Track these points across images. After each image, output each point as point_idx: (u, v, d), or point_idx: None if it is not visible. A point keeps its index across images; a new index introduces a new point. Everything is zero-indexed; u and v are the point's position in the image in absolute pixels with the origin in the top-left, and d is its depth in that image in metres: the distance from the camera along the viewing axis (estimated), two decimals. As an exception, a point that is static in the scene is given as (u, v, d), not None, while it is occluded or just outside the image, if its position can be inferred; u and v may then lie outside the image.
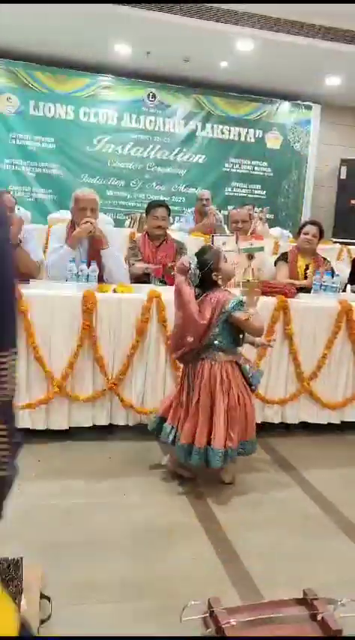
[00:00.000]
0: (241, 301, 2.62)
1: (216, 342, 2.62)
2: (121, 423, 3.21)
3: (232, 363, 2.65)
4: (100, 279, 3.49)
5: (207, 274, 2.63)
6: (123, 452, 3.09)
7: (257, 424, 3.26)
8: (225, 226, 6.16)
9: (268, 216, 6.82)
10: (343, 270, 4.35)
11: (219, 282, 2.66)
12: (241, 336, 2.70)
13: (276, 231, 6.63)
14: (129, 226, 6.25)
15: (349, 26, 5.80)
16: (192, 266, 2.61)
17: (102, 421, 3.18)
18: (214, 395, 2.58)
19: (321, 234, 3.99)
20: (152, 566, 2.11)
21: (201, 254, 2.69)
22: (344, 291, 3.90)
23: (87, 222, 3.48)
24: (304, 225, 4.06)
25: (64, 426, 3.11)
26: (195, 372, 2.64)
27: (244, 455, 2.71)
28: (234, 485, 2.77)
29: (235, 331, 2.66)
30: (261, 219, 6.06)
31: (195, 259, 2.64)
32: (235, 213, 4.25)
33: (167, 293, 3.25)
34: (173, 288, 3.36)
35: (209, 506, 2.57)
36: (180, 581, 2.02)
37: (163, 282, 3.47)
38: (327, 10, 5.36)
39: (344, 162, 8.22)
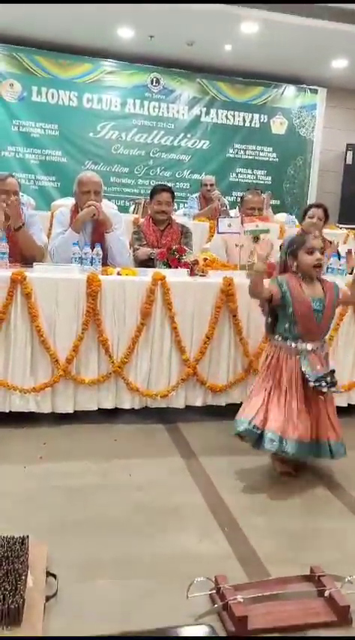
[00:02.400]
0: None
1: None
2: (127, 406, 3.20)
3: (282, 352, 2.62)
4: (105, 262, 3.47)
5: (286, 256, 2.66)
6: (128, 434, 3.09)
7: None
8: (231, 211, 6.12)
9: (273, 201, 6.78)
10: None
11: (293, 268, 2.63)
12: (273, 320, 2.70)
13: (282, 216, 6.57)
14: (133, 212, 6.22)
15: (354, 6, 5.71)
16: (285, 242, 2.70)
17: (108, 404, 3.17)
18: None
19: (327, 217, 3.95)
20: (158, 544, 2.11)
21: (296, 236, 2.72)
22: (351, 273, 3.85)
23: (90, 205, 3.46)
24: (309, 208, 4.03)
25: (70, 410, 3.11)
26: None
27: None
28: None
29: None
30: (268, 205, 6.01)
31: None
32: (251, 199, 4.18)
33: (172, 275, 3.24)
34: (178, 270, 3.36)
35: (215, 487, 2.56)
36: (186, 559, 2.02)
37: (167, 265, 3.44)
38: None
39: (350, 146, 8.14)
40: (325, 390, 2.54)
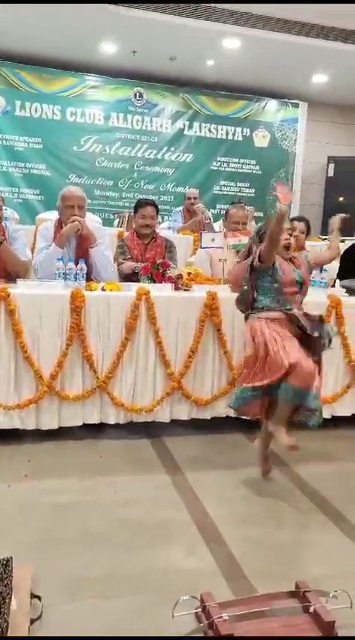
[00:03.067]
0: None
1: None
2: (112, 421, 3.19)
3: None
4: (89, 277, 3.47)
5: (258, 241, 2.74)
6: (114, 450, 3.08)
7: (250, 421, 3.26)
8: (215, 224, 6.17)
9: (256, 213, 6.84)
10: (333, 265, 4.35)
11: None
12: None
13: (265, 228, 6.62)
14: (118, 226, 6.24)
15: (335, 24, 5.83)
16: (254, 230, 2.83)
17: (93, 420, 3.16)
18: None
19: (308, 230, 4.00)
20: (144, 561, 2.10)
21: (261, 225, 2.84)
22: (333, 286, 3.91)
23: (74, 220, 3.46)
24: (291, 221, 4.07)
25: (54, 426, 3.09)
26: None
27: None
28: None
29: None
30: (252, 218, 6.08)
31: None
32: (235, 213, 4.22)
33: (156, 290, 3.25)
34: (161, 285, 3.38)
35: (201, 502, 2.56)
36: (172, 576, 2.01)
37: (151, 280, 3.46)
38: (313, 8, 5.39)
39: (331, 159, 8.27)
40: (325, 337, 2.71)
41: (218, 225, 5.87)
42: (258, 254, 2.67)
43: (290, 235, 2.74)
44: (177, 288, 3.44)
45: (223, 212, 5.34)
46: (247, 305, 2.81)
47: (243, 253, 2.90)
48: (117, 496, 2.58)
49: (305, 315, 2.72)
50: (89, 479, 2.73)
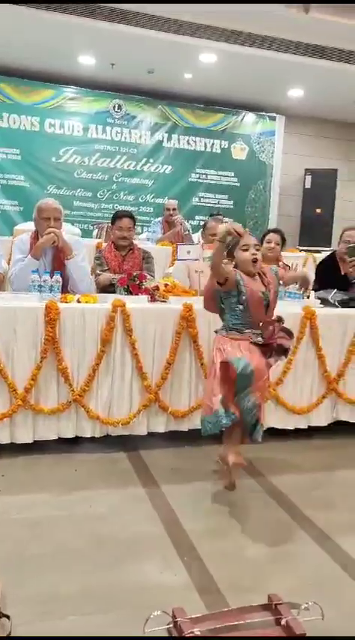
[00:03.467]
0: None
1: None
2: (88, 434, 3.17)
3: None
4: (66, 289, 3.46)
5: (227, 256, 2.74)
6: (89, 464, 3.06)
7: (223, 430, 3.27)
8: (193, 235, 6.21)
9: (235, 225, 6.89)
10: (309, 277, 4.40)
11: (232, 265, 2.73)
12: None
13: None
14: (96, 237, 6.24)
15: (309, 40, 5.94)
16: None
17: (68, 433, 3.13)
18: None
19: (284, 241, 4.05)
20: (118, 577, 2.08)
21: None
22: (308, 297, 3.95)
23: (50, 232, 3.46)
24: (266, 233, 4.13)
25: (29, 440, 3.06)
26: None
27: None
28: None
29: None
30: None
31: None
32: (213, 225, 4.25)
33: (132, 302, 3.25)
34: (138, 297, 3.39)
35: (176, 515, 2.55)
36: (146, 592, 2.00)
37: (128, 292, 3.46)
38: (288, 23, 5.48)
39: (308, 171, 8.38)
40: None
41: (197, 237, 5.91)
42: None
43: (258, 250, 2.74)
44: (153, 300, 3.44)
45: (202, 223, 5.38)
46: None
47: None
48: (91, 510, 2.56)
49: (271, 336, 2.72)
50: (64, 493, 2.70)
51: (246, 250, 2.70)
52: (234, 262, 2.72)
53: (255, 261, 2.71)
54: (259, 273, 2.77)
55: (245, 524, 2.52)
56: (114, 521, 2.47)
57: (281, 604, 1.79)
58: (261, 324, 2.73)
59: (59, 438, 3.12)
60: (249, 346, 2.66)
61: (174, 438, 3.35)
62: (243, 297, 2.66)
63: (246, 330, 2.70)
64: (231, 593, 2.00)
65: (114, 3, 5.25)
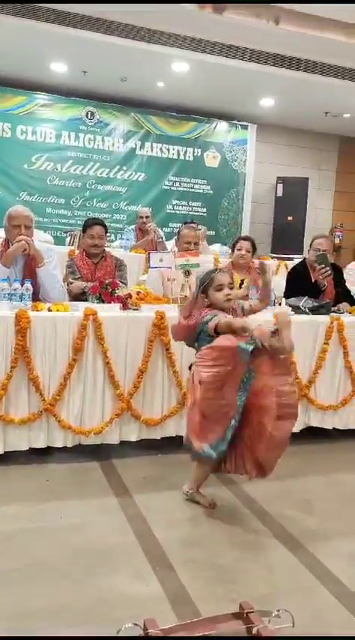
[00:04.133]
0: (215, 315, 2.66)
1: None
2: (59, 444, 3.13)
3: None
4: (37, 297, 3.43)
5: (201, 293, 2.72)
6: (61, 474, 3.02)
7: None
8: (167, 243, 6.22)
9: (208, 232, 6.95)
10: (280, 284, 4.45)
11: (206, 304, 2.71)
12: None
13: (216, 247, 6.75)
14: (69, 244, 6.20)
15: (279, 50, 6.03)
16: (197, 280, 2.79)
17: (40, 444, 3.09)
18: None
19: (254, 249, 4.10)
20: (89, 589, 2.05)
21: (204, 275, 2.77)
22: (279, 304, 3.99)
23: (21, 239, 3.42)
24: (237, 241, 4.17)
25: (-1, 451, 3.01)
26: None
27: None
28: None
29: None
30: (204, 237, 6.19)
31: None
32: (187, 233, 4.27)
33: (104, 310, 3.24)
34: (110, 305, 3.37)
35: (148, 524, 2.54)
36: (117, 603, 1.98)
37: (100, 300, 3.44)
38: (258, 34, 5.56)
39: (280, 179, 8.50)
40: None
41: (170, 244, 5.93)
42: (214, 326, 2.60)
43: (231, 288, 2.74)
44: (125, 308, 3.43)
45: (176, 231, 5.40)
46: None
47: (187, 306, 2.79)
48: (63, 522, 2.52)
49: None
50: (35, 505, 2.66)
51: (221, 290, 2.70)
52: (207, 300, 2.71)
53: (228, 300, 2.71)
54: (232, 310, 2.77)
55: (217, 532, 2.52)
56: (86, 532, 2.45)
57: (252, 612, 1.79)
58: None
59: (30, 448, 3.07)
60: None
61: (146, 446, 3.34)
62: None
63: None
64: (203, 602, 2.00)
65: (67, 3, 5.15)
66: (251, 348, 2.47)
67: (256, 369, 2.50)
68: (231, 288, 2.74)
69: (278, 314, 2.53)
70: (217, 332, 2.60)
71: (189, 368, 2.78)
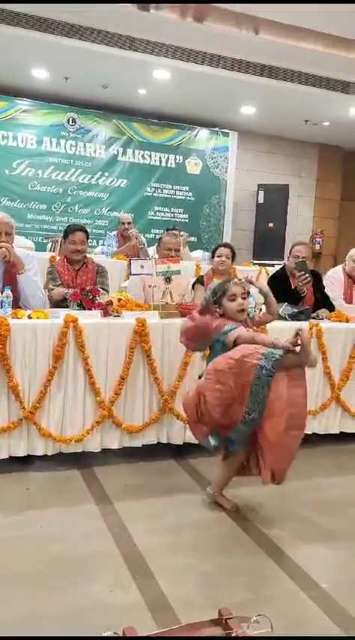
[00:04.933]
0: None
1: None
2: (40, 452, 3.11)
3: None
4: (17, 304, 3.41)
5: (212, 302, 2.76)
6: (42, 483, 3.00)
7: (178, 445, 3.29)
8: (149, 249, 6.23)
9: (190, 239, 6.97)
10: (257, 292, 4.48)
11: (220, 313, 2.75)
12: None
13: (198, 253, 6.78)
14: (50, 250, 6.17)
15: (259, 59, 6.11)
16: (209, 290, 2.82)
17: (20, 452, 3.07)
18: None
19: (233, 255, 4.13)
20: (68, 598, 2.04)
21: (218, 284, 2.83)
22: (260, 311, 4.02)
23: (1, 247, 3.41)
24: (216, 248, 4.21)
25: (-22, 459, 2.98)
26: None
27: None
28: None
29: None
30: (185, 244, 6.23)
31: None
32: (168, 240, 4.28)
33: (84, 317, 3.23)
34: (91, 312, 3.37)
35: (129, 532, 2.53)
36: (97, 612, 1.97)
37: (81, 307, 3.44)
38: (239, 43, 5.63)
39: (261, 186, 8.58)
40: None
41: (152, 250, 5.94)
42: (234, 340, 2.63)
43: (244, 299, 2.78)
44: (106, 315, 3.43)
45: (158, 237, 5.41)
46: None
47: (202, 307, 2.83)
48: (43, 531, 2.51)
49: None
50: (15, 514, 2.64)
51: (234, 300, 2.74)
52: (221, 310, 2.75)
53: (241, 310, 2.75)
54: (244, 321, 2.82)
55: (197, 539, 2.53)
56: (66, 541, 2.43)
57: (231, 618, 1.80)
58: None
59: (10, 456, 3.05)
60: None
61: (128, 454, 3.33)
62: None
63: None
64: (182, 609, 2.00)
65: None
66: (278, 355, 2.49)
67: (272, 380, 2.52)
68: (244, 299, 2.77)
69: (301, 330, 2.55)
70: (236, 344, 2.63)
71: (199, 378, 2.84)
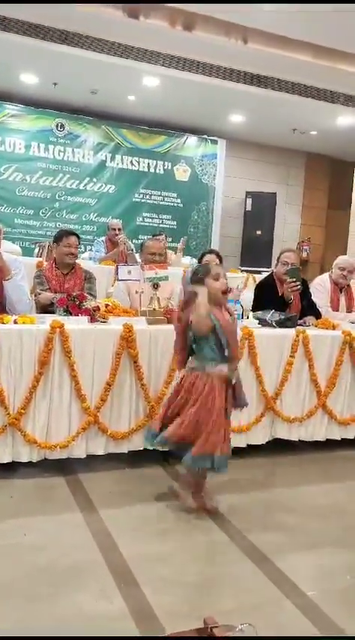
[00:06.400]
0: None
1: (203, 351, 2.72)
2: (24, 459, 3.07)
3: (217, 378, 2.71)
4: (3, 309, 3.38)
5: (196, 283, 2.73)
6: (26, 490, 2.96)
7: (164, 452, 3.27)
8: (137, 255, 6.23)
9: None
10: (248, 297, 4.50)
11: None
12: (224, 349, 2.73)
13: (187, 259, 6.79)
14: (37, 255, 6.14)
15: (247, 68, 6.16)
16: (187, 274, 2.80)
17: (4, 458, 3.02)
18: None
19: (220, 261, 4.14)
20: (52, 609, 2.01)
21: (198, 267, 2.87)
22: (246, 317, 4.03)
23: (-13, 251, 3.38)
24: (203, 254, 4.21)
25: None
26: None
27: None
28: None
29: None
30: (181, 250, 6.27)
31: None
32: (152, 244, 4.28)
33: (71, 323, 3.21)
34: (77, 318, 3.35)
35: (114, 540, 2.50)
36: (81, 622, 1.94)
37: (68, 312, 3.41)
38: (227, 52, 5.67)
39: (249, 194, 8.63)
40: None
41: (139, 257, 5.94)
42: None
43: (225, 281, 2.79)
44: (93, 321, 3.41)
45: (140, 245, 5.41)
46: (185, 356, 2.84)
47: (182, 302, 2.83)
48: (26, 539, 2.47)
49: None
50: (-3, 522, 2.60)
51: (218, 279, 2.74)
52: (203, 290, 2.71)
53: (225, 291, 2.77)
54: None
55: (183, 547, 2.51)
56: (50, 550, 2.40)
57: (216, 627, 1.78)
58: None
59: (-7, 463, 3.01)
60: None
61: (113, 460, 3.30)
62: (224, 340, 2.68)
63: (219, 365, 2.73)
64: (168, 619, 1.98)
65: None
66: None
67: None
68: (226, 280, 2.81)
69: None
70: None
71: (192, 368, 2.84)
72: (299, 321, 3.99)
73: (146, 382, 3.33)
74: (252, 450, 3.59)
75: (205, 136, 8.49)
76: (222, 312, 2.75)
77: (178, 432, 2.69)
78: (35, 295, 3.89)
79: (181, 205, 8.45)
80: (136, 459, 3.34)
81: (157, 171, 8.27)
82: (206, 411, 2.66)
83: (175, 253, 6.57)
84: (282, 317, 3.83)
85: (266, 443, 3.66)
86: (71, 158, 7.77)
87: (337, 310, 4.50)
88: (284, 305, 4.06)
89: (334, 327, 3.93)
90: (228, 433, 2.80)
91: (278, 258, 4.31)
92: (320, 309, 4.31)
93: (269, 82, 6.38)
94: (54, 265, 4.04)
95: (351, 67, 5.86)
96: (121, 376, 3.27)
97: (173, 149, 8.30)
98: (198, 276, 2.74)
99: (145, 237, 7.56)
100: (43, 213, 7.69)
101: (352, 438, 3.92)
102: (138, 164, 8.16)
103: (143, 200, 8.24)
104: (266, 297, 4.15)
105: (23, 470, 3.12)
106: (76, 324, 3.23)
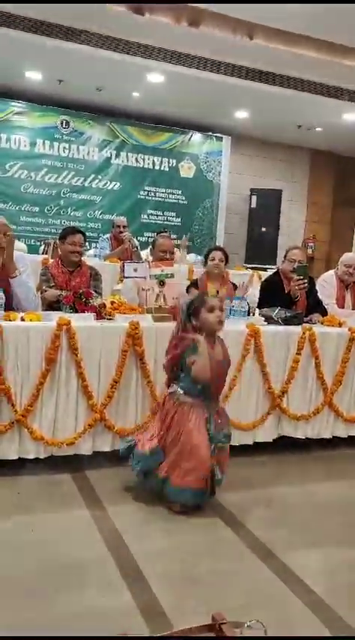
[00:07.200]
0: (195, 346, 2.69)
1: (181, 383, 2.73)
2: (31, 456, 3.08)
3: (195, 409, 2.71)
4: (10, 307, 3.39)
5: (190, 316, 2.74)
6: (33, 486, 2.97)
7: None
8: (142, 252, 6.23)
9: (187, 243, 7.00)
10: (253, 294, 4.49)
11: (196, 326, 2.74)
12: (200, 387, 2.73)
13: (192, 257, 6.79)
14: (43, 253, 6.15)
15: (253, 65, 6.14)
16: (183, 305, 2.78)
17: (11, 455, 3.04)
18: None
19: (226, 258, 4.14)
20: (59, 604, 2.02)
21: (194, 297, 2.85)
22: (252, 314, 4.02)
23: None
24: (209, 251, 4.21)
25: (-31, 463, 2.95)
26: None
27: None
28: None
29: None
30: (185, 247, 6.28)
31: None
32: (163, 242, 4.28)
33: (77, 320, 3.22)
34: (84, 315, 3.35)
35: (121, 536, 2.52)
36: (88, 618, 1.95)
37: (74, 310, 3.42)
38: (233, 48, 5.65)
39: (253, 191, 8.61)
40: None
41: (145, 254, 5.94)
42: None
43: (222, 311, 2.78)
44: (99, 318, 3.42)
45: (151, 240, 5.41)
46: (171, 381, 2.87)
47: (174, 333, 2.84)
48: (33, 536, 2.48)
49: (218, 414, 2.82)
50: (5, 518, 2.62)
51: (212, 311, 2.73)
52: (197, 322, 2.73)
53: (220, 322, 2.75)
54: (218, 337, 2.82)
55: (190, 543, 2.52)
56: (57, 546, 2.41)
57: (224, 623, 1.79)
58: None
59: (1, 459, 3.02)
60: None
61: (120, 457, 3.30)
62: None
63: (204, 400, 2.75)
64: (175, 615, 1.99)
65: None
66: None
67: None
68: (222, 311, 2.77)
69: None
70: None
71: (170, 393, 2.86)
72: (306, 319, 3.98)
73: (152, 379, 3.33)
74: (258, 448, 3.59)
75: (210, 133, 8.47)
76: (213, 348, 2.75)
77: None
78: (41, 292, 3.90)
79: (186, 202, 8.44)
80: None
81: (162, 168, 8.25)
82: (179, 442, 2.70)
83: (180, 251, 6.57)
84: (288, 314, 3.82)
85: (273, 440, 3.66)
86: (76, 155, 7.76)
87: (343, 307, 4.49)
88: (290, 302, 4.05)
89: (340, 325, 3.92)
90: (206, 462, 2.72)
91: (285, 255, 4.30)
92: (326, 307, 4.30)
93: (274, 79, 6.35)
94: (60, 263, 4.04)
95: (357, 63, 5.84)
96: (127, 373, 3.28)
97: (178, 146, 8.29)
98: (193, 308, 2.74)
99: (150, 235, 7.62)
100: (48, 210, 7.69)
101: (358, 435, 3.92)
102: (143, 161, 8.15)
103: (148, 197, 8.23)
104: (272, 294, 4.14)
105: (30, 466, 3.13)
106: (82, 322, 3.24)
